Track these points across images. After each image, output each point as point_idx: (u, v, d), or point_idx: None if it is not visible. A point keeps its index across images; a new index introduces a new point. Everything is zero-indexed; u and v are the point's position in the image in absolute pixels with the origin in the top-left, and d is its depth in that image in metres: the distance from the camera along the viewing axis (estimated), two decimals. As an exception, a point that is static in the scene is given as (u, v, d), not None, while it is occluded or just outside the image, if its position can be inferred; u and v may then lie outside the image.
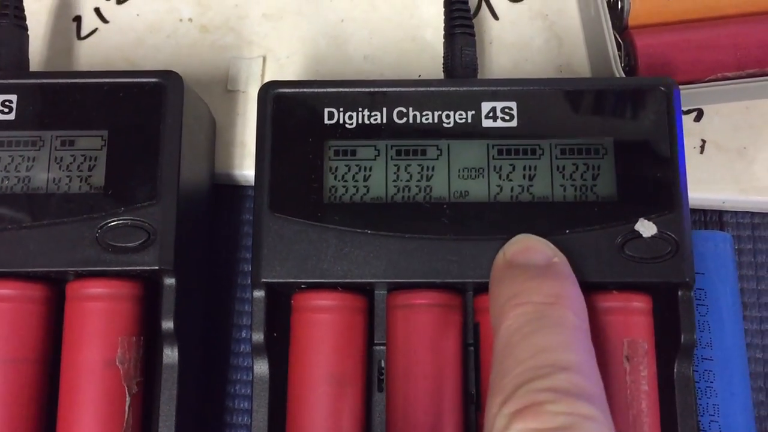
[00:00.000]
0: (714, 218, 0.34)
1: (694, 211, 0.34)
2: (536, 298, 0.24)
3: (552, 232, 0.27)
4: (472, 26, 0.31)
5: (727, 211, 0.34)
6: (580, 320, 0.24)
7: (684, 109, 0.34)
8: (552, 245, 0.26)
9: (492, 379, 0.23)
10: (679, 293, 0.27)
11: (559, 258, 0.25)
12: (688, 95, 0.32)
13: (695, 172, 0.33)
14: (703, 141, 0.34)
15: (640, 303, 0.27)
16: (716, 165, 0.33)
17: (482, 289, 0.28)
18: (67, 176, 0.28)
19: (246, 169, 0.34)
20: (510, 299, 0.24)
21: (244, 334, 0.33)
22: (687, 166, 0.33)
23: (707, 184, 0.33)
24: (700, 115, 0.34)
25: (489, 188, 0.28)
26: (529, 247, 0.26)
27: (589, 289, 0.27)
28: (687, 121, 0.34)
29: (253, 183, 0.33)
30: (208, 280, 0.33)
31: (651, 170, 0.28)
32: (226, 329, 0.33)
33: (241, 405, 0.32)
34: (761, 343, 0.33)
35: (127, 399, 0.27)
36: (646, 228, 0.27)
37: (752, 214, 0.34)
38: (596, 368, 0.23)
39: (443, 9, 0.31)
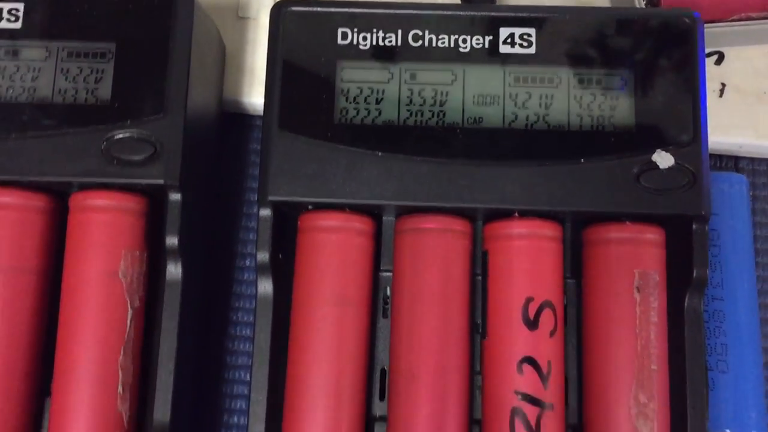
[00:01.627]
0: (730, 164, 0.33)
1: (709, 155, 0.33)
2: None
3: (567, 160, 0.26)
4: (492, -48, 0.30)
5: (743, 158, 0.34)
6: None
7: (705, 50, 0.33)
8: None
9: None
10: (694, 226, 0.26)
11: None
12: (710, 35, 0.32)
13: (713, 116, 0.32)
14: (723, 84, 0.33)
15: (653, 235, 0.27)
16: (735, 109, 0.33)
17: (493, 216, 0.27)
18: (73, 87, 0.27)
19: (255, 97, 0.33)
20: None
21: (248, 263, 0.33)
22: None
23: (725, 128, 0.33)
24: (721, 58, 0.33)
25: (504, 115, 0.27)
26: None
27: (603, 219, 0.27)
28: (707, 64, 0.33)
29: (261, 112, 0.32)
30: (214, 204, 0.32)
31: (670, 102, 0.27)
32: (229, 256, 0.33)
33: (243, 332, 0.32)
34: (772, 290, 0.32)
35: (129, 312, 0.27)
36: (663, 159, 0.26)
37: (769, 160, 0.34)
38: None
39: (463, -65, 0.31)
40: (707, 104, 0.31)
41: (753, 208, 0.33)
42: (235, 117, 0.34)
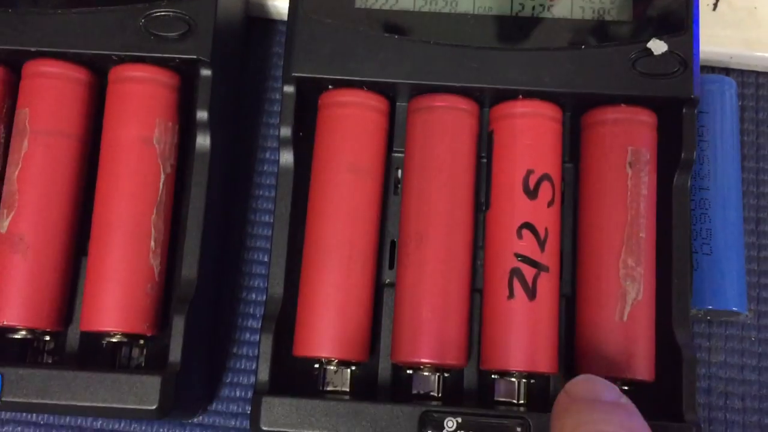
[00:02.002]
0: (721, 74, 0.36)
1: (701, 66, 0.35)
2: (609, 428, 0.22)
3: (569, 46, 0.29)
4: None
5: (733, 69, 0.36)
6: None
7: (701, -34, 0.35)
8: (617, 388, 0.24)
9: None
10: (684, 110, 0.28)
11: (626, 401, 0.24)
12: (706, -51, 0.34)
13: (706, 28, 0.34)
14: (717, -1, 0.35)
15: (646, 117, 0.29)
16: (727, 22, 0.35)
17: (499, 98, 0.29)
18: (113, -33, 0.30)
19: (279, 0, 0.35)
20: (577, 426, 0.22)
21: (269, 143, 0.35)
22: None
23: (717, 38, 0.35)
24: (715, -26, 0.35)
25: (512, 4, 0.29)
26: (594, 384, 0.24)
27: (600, 103, 0.29)
28: (703, -20, 0.35)
29: (285, 16, 0.34)
30: (241, 85, 0.34)
31: (665, -4, 0.29)
32: (254, 136, 0.35)
33: (264, 205, 0.34)
34: (756, 191, 0.34)
35: (162, 176, 0.29)
36: (657, 46, 0.28)
37: (757, 73, 0.36)
38: None
39: None
40: (701, 17, 0.33)
41: (741, 116, 0.35)
42: (259, 21, 0.36)
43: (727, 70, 0.36)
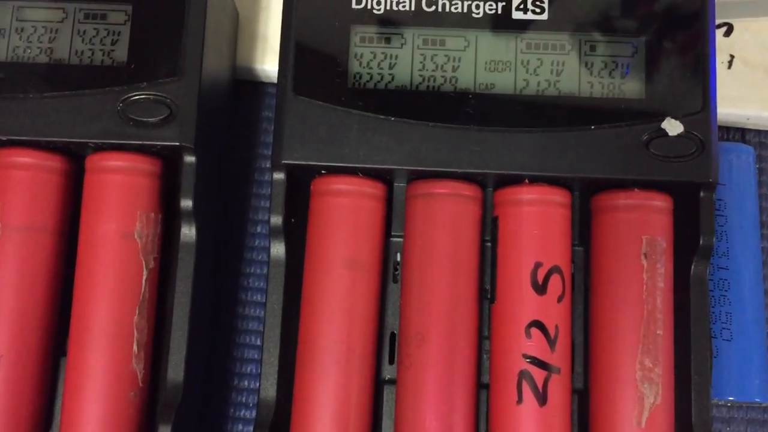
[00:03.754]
0: (737, 136, 0.34)
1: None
2: None
3: (577, 127, 0.27)
4: None
5: (749, 130, 0.34)
6: None
7: (715, 22, 0.33)
8: None
9: None
10: (701, 194, 0.26)
11: None
12: (719, 6, 0.32)
13: (721, 88, 0.32)
14: (732, 56, 0.33)
15: (661, 202, 0.27)
16: (743, 81, 0.33)
17: (503, 182, 0.27)
18: (90, 49, 0.28)
19: (267, 64, 0.34)
20: None
21: (259, 229, 0.33)
22: (713, 81, 0.32)
23: (732, 100, 0.33)
24: (729, 30, 0.33)
25: (515, 81, 0.27)
26: None
27: (612, 186, 0.27)
28: (716, 36, 0.33)
29: (274, 79, 0.33)
30: (227, 168, 0.33)
31: (681, 71, 0.27)
32: (241, 221, 0.33)
33: (254, 297, 0.32)
34: (776, 261, 0.33)
35: (144, 272, 0.27)
36: (672, 127, 0.27)
37: (776, 133, 0.34)
38: None
39: None
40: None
41: (759, 180, 0.33)
42: (247, 84, 0.34)
43: (743, 131, 0.34)
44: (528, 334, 0.26)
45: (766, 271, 0.32)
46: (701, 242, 0.27)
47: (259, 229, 0.33)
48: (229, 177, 0.33)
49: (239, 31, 0.34)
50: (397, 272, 0.29)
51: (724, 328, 0.29)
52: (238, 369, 0.32)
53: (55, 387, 0.28)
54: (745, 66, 0.33)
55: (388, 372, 0.28)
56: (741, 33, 0.33)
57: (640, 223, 0.27)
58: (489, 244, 0.28)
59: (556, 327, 0.26)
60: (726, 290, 0.29)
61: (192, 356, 0.27)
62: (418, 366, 0.26)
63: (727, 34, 0.33)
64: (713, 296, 0.29)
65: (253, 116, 0.34)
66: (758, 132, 0.34)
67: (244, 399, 0.31)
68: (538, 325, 0.26)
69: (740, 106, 0.33)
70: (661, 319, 0.26)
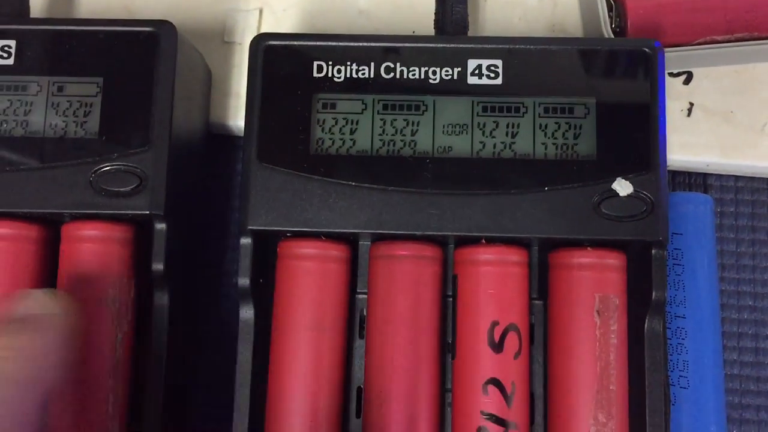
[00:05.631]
0: (698, 180, 0.35)
1: (678, 173, 0.34)
2: None
3: (531, 188, 0.28)
4: (464, -17, 0.31)
5: (711, 174, 0.35)
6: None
7: (674, 71, 0.34)
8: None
9: None
10: (653, 251, 0.27)
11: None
12: (678, 58, 0.33)
13: (681, 135, 0.34)
14: (691, 104, 0.34)
15: (613, 260, 0.28)
16: (702, 128, 0.34)
17: (462, 242, 0.28)
18: (63, 121, 0.29)
19: (240, 120, 0.35)
20: None
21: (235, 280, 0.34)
22: (673, 128, 0.33)
23: (693, 147, 0.34)
24: (689, 78, 0.34)
25: (472, 144, 0.28)
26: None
27: (567, 244, 0.28)
28: (676, 83, 0.34)
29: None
30: (201, 227, 0.34)
31: (631, 131, 0.28)
32: (216, 278, 0.34)
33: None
34: (737, 304, 0.33)
35: (118, 337, 0.28)
36: (622, 187, 0.27)
37: (736, 177, 0.35)
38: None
39: (436, -34, 0.32)
40: (673, 124, 0.32)
41: (720, 223, 0.34)
42: (221, 138, 0.35)
43: (704, 175, 0.35)
44: (485, 391, 0.27)
45: (728, 314, 0.33)
46: (654, 297, 0.27)
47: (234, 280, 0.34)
48: (204, 235, 0.34)
49: (213, 87, 0.35)
50: (363, 327, 0.30)
51: (681, 376, 0.30)
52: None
53: (37, 446, 0.29)
54: (705, 113, 0.34)
55: (355, 425, 0.29)
56: (700, 80, 0.34)
57: (593, 281, 0.28)
58: (451, 299, 0.29)
59: (513, 383, 0.27)
60: (683, 338, 0.30)
61: (167, 415, 0.28)
62: (382, 426, 0.27)
63: (687, 82, 0.34)
64: (671, 344, 0.30)
65: (228, 169, 0.35)
66: (720, 176, 0.35)
67: None
68: (494, 382, 0.27)
69: (700, 153, 0.34)
70: (614, 375, 0.27)
